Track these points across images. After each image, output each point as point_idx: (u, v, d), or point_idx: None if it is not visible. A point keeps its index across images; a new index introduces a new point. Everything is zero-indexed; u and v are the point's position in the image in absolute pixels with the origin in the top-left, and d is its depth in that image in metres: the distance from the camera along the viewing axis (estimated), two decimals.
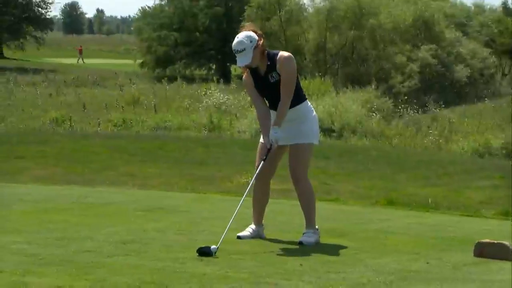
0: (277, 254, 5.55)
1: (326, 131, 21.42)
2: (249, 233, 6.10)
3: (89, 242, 5.69)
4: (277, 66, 5.92)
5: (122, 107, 27.22)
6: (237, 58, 5.98)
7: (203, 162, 13.79)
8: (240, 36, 5.95)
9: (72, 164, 12.81)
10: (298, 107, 6.05)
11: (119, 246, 5.55)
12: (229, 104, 28.04)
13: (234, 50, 5.98)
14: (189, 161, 13.87)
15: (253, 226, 6.17)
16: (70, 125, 22.51)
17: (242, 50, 5.92)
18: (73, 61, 60.24)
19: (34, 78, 39.72)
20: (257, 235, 6.13)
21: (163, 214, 7.41)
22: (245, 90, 30.61)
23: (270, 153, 5.95)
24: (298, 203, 6.21)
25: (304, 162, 6.08)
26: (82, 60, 61.99)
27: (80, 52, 64.56)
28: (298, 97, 6.04)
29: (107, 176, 11.40)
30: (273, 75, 5.97)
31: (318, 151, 14.15)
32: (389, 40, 37.05)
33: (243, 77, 6.17)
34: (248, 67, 5.99)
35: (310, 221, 6.08)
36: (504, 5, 42.10)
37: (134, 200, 8.39)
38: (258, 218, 6.21)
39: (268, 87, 5.99)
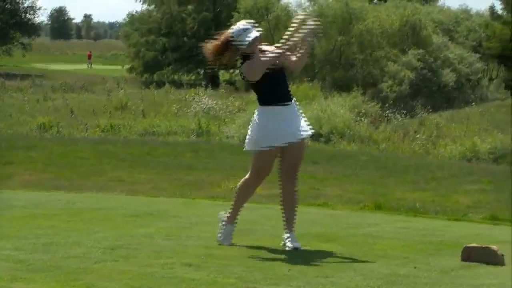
0: (266, 259, 5.55)
1: (315, 135, 21.41)
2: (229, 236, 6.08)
3: (77, 247, 5.67)
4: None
5: (110, 112, 27.17)
6: (252, 32, 5.91)
7: (192, 167, 13.79)
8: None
9: (60, 170, 12.79)
10: (294, 101, 6.08)
11: (108, 251, 5.54)
12: (217, 109, 28.06)
13: (245, 26, 5.95)
14: (177, 166, 13.86)
15: (232, 226, 6.11)
16: (58, 131, 22.44)
17: (253, 25, 5.95)
18: (62, 66, 60.11)
19: (21, 84, 39.62)
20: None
21: (152, 219, 7.39)
22: (233, 96, 30.47)
23: (274, 152, 5.96)
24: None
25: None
26: (91, 65, 62.26)
27: (89, 57, 64.76)
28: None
29: (96, 182, 11.38)
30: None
31: (307, 155, 14.16)
32: (377, 44, 37.18)
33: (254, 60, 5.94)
34: (257, 42, 5.92)
35: (294, 223, 6.09)
36: (492, 10, 42.24)
37: (123, 206, 8.37)
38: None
39: (277, 72, 5.97)
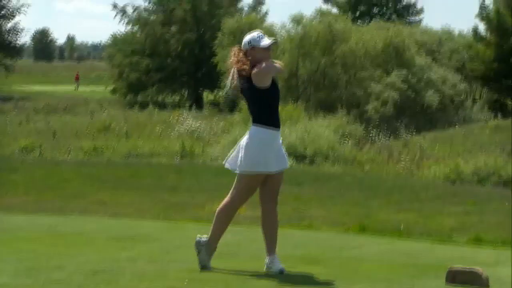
0: (250, 283, 5.54)
1: (299, 157, 21.48)
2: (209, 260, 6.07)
3: (59, 272, 5.64)
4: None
5: (93, 134, 27.08)
6: (266, 39, 6.05)
7: (175, 189, 13.76)
8: None
9: (43, 192, 12.72)
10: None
11: (90, 276, 5.51)
12: (201, 130, 28.04)
13: (259, 34, 6.09)
14: (161, 189, 13.83)
15: (213, 251, 6.09)
16: (40, 153, 22.34)
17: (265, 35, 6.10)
18: (44, 88, 59.95)
19: (3, 106, 39.45)
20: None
21: (135, 242, 7.36)
22: (217, 117, 30.51)
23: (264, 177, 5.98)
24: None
25: None
26: (78, 86, 62.34)
27: (77, 78, 64.87)
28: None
29: (78, 204, 11.32)
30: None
31: (291, 177, 14.19)
32: (360, 65, 37.36)
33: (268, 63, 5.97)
34: (270, 49, 6.01)
35: (275, 245, 6.09)
36: (475, 31, 42.58)
37: (106, 229, 8.33)
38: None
39: (278, 96, 6.12)
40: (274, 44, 6.08)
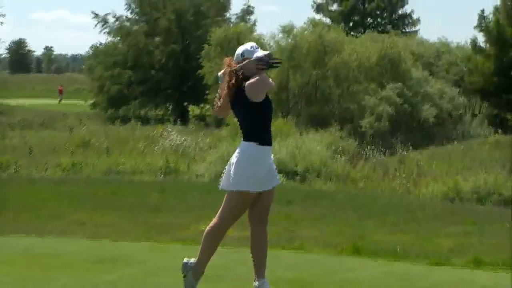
0: None
1: (289, 174, 21.47)
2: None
3: None
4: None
5: (72, 150, 27.00)
6: (260, 51, 6.07)
7: (159, 209, 13.72)
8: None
9: (18, 212, 12.65)
10: None
11: None
12: (186, 146, 28.02)
13: (253, 45, 6.12)
14: (143, 208, 13.78)
15: (200, 275, 6.09)
16: (16, 170, 22.25)
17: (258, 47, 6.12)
18: (21, 102, 59.90)
19: None
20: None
21: (115, 265, 7.33)
22: (203, 132, 30.43)
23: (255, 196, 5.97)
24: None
25: None
26: (61, 100, 62.49)
27: (61, 92, 64.96)
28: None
29: (56, 225, 11.26)
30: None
31: (281, 195, 14.18)
32: (354, 78, 37.46)
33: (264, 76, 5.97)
34: (263, 61, 6.00)
35: (264, 269, 6.07)
36: (474, 43, 42.77)
37: (85, 251, 8.30)
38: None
39: (271, 112, 6.14)
40: (269, 57, 6.07)
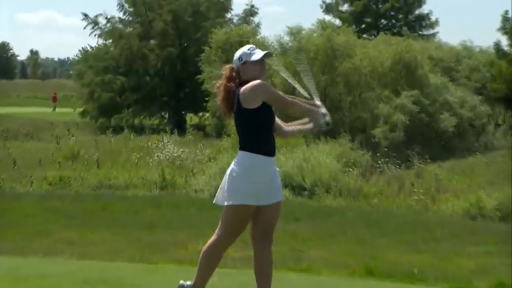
0: None
1: (296, 188, 21.47)
2: None
3: None
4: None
5: (59, 162, 27.04)
6: (259, 51, 6.12)
7: (154, 226, 13.72)
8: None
9: (1, 230, 12.65)
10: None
11: None
12: (184, 158, 28.04)
13: (250, 47, 6.17)
14: (137, 225, 13.78)
15: None
16: None
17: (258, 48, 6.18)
18: (4, 110, 60.05)
19: None
20: None
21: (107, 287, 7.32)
22: (202, 143, 30.32)
23: (253, 210, 5.98)
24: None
25: None
26: (55, 108, 62.74)
27: (55, 99, 65.15)
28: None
29: (42, 243, 11.26)
30: None
31: (287, 211, 14.17)
32: (366, 85, 37.46)
33: (259, 81, 6.00)
34: (263, 63, 6.08)
35: None
36: (497, 47, 42.71)
37: (73, 272, 8.29)
38: None
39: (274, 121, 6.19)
40: (268, 56, 6.10)
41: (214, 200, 6.14)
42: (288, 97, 6.10)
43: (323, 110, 6.15)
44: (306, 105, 6.13)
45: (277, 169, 6.16)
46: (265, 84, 5.94)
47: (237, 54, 6.11)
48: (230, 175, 5.96)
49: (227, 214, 5.98)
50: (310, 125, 6.28)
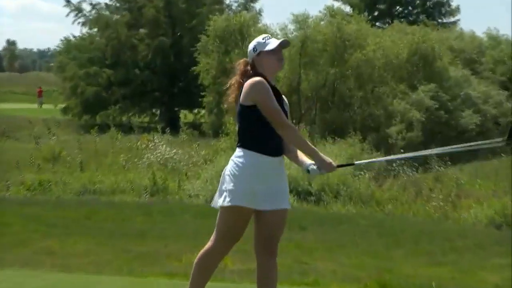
0: None
1: (302, 194, 21.48)
2: None
3: None
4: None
5: (39, 165, 27.04)
6: (273, 40, 6.13)
7: (144, 235, 13.71)
8: None
9: None
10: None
11: None
12: (177, 160, 28.02)
13: (265, 36, 6.18)
14: (125, 234, 13.77)
15: None
16: None
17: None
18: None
19: None
20: None
21: None
22: (197, 143, 30.29)
23: (250, 213, 5.96)
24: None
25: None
26: (41, 105, 62.71)
27: (40, 94, 65.09)
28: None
29: (19, 255, 11.25)
30: (285, 101, 6.23)
31: (292, 219, 14.16)
32: (379, 78, 37.46)
33: (260, 79, 5.99)
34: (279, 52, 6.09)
35: None
36: None
37: (53, 286, 8.29)
38: None
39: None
40: (285, 45, 6.10)
41: (212, 203, 6.14)
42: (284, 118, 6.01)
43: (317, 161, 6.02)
44: (301, 138, 6.02)
45: (285, 172, 6.13)
46: (263, 85, 5.91)
47: (251, 45, 6.14)
48: (225, 173, 6.00)
49: (222, 217, 5.99)
50: (307, 162, 6.14)
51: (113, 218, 15.80)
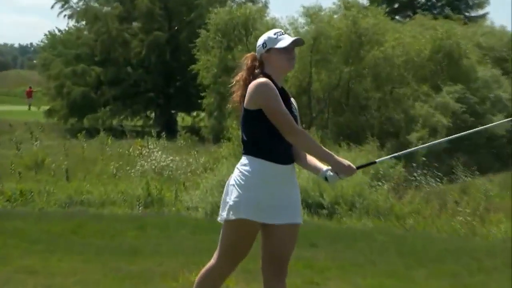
0: None
1: (313, 206, 21.47)
2: None
3: None
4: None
5: (20, 173, 27.06)
6: (286, 37, 6.13)
7: (137, 252, 13.71)
8: None
9: None
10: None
11: None
12: (174, 168, 28.04)
13: (277, 32, 6.19)
14: (115, 251, 13.78)
15: None
16: None
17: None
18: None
19: None
20: None
21: None
22: (196, 150, 30.36)
23: (257, 229, 5.95)
24: None
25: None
26: (30, 106, 62.79)
27: (30, 94, 65.15)
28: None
29: None
30: (294, 104, 6.23)
31: (302, 235, 14.12)
32: (399, 79, 37.43)
33: (265, 81, 5.99)
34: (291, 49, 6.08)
35: None
36: None
37: None
38: None
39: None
40: (298, 43, 6.10)
41: (219, 218, 6.15)
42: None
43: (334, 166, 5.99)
44: (314, 142, 5.98)
45: (297, 182, 6.12)
46: (269, 88, 5.90)
47: (261, 40, 6.14)
48: (229, 183, 6.01)
49: (225, 232, 6.01)
50: (323, 168, 6.11)
51: (102, 233, 15.79)
